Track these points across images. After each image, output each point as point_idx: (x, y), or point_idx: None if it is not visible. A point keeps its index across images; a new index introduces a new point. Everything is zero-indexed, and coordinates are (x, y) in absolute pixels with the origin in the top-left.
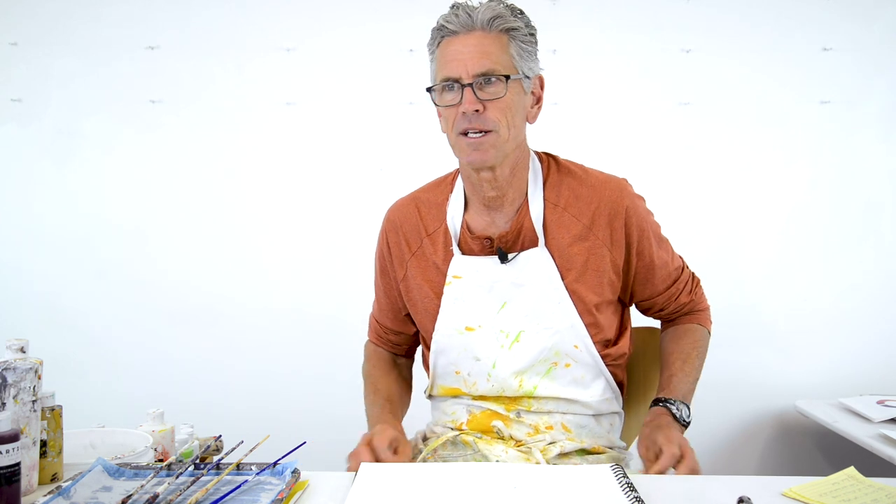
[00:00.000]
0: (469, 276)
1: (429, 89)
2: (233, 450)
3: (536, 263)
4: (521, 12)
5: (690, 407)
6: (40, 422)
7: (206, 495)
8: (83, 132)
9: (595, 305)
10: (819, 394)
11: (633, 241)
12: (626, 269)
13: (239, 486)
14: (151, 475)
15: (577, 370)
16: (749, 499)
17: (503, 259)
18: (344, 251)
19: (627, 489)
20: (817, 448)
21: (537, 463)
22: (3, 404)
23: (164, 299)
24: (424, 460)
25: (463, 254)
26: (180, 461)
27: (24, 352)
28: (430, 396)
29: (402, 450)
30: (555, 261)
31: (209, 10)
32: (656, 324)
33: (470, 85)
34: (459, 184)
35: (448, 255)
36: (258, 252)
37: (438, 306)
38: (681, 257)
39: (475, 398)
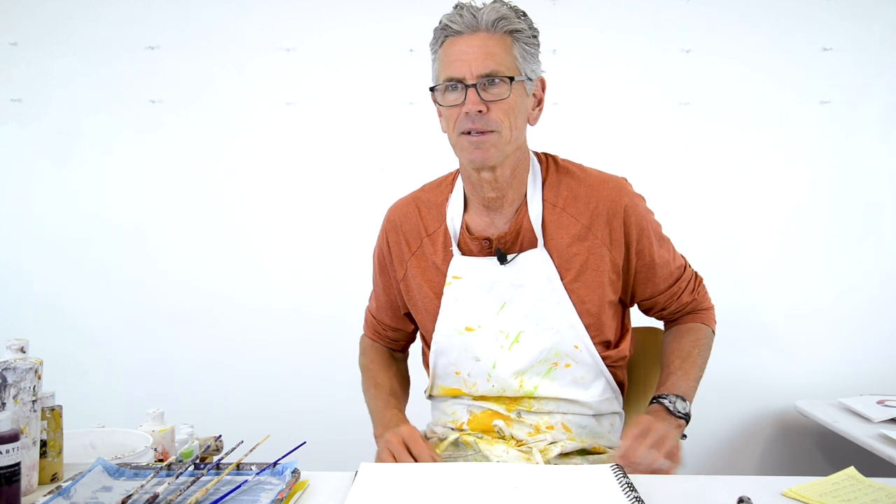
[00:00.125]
0: (468, 276)
1: (432, 89)
2: (233, 450)
3: (536, 264)
4: (524, 14)
5: (688, 401)
6: (40, 422)
7: (206, 495)
8: (83, 132)
9: (595, 306)
10: (819, 394)
11: (632, 241)
12: (626, 269)
13: (239, 486)
14: (151, 475)
15: (578, 370)
16: (749, 499)
17: (502, 260)
18: (344, 251)
19: (627, 489)
20: (817, 448)
21: (537, 464)
22: (3, 404)
23: (164, 299)
24: None
25: (462, 254)
26: (180, 461)
27: (24, 352)
28: (430, 396)
29: (434, 455)
30: (554, 261)
31: (209, 10)
32: (657, 324)
33: (474, 85)
34: (459, 184)
35: (448, 256)
36: (258, 252)
37: (438, 306)
38: (683, 256)
39: (476, 398)
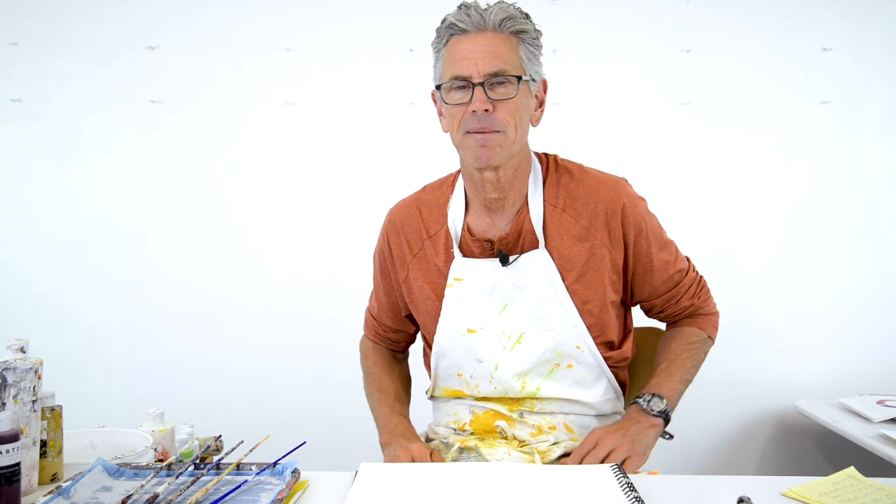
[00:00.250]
0: (470, 278)
1: (437, 87)
2: (233, 450)
3: (537, 265)
4: (528, 15)
5: (667, 400)
6: (40, 422)
7: (206, 495)
8: (83, 132)
9: (597, 306)
10: (819, 394)
11: (630, 240)
12: (626, 268)
13: (239, 486)
14: (151, 475)
15: (580, 371)
16: (749, 499)
17: (504, 262)
18: (344, 251)
19: (627, 489)
20: (817, 448)
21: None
22: (3, 404)
23: (164, 299)
24: None
25: (464, 256)
26: (180, 461)
27: (24, 352)
28: (431, 397)
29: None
30: (555, 262)
31: (209, 10)
32: (659, 325)
33: (481, 84)
34: (460, 185)
35: (449, 258)
36: (258, 252)
37: (440, 308)
38: (688, 259)
39: (478, 399)
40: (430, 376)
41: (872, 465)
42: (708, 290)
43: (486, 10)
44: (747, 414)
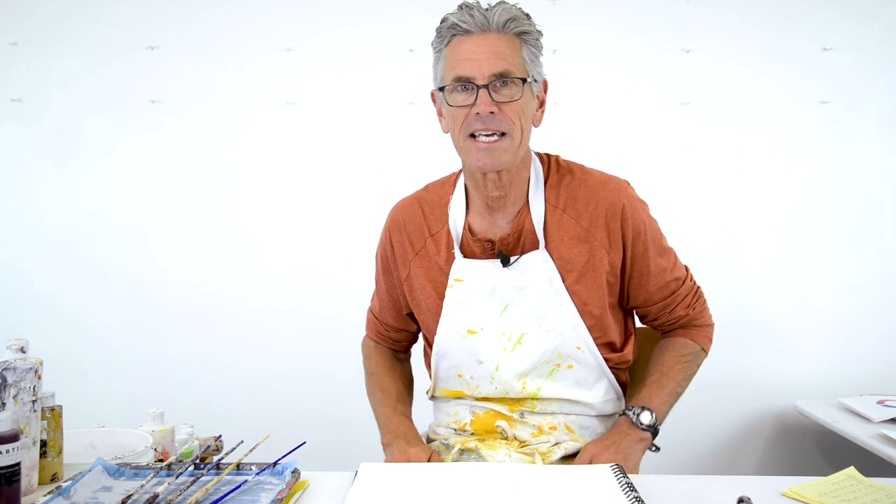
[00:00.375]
0: (471, 279)
1: (440, 89)
2: (233, 450)
3: (537, 266)
4: (529, 16)
5: (656, 413)
6: (40, 422)
7: (206, 495)
8: (83, 132)
9: (597, 307)
10: (819, 394)
11: (628, 242)
12: (623, 271)
13: (239, 486)
14: (151, 475)
15: (580, 371)
16: (749, 499)
17: (505, 263)
18: (344, 251)
19: (627, 489)
20: (817, 448)
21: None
22: (3, 404)
23: (164, 299)
24: None
25: (465, 256)
26: (180, 461)
27: (24, 352)
28: (432, 397)
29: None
30: (555, 263)
31: (209, 10)
32: None
33: (486, 86)
34: (461, 184)
35: (450, 257)
36: (258, 252)
37: (441, 306)
38: (686, 269)
39: (478, 399)
40: (430, 376)
41: (872, 465)
42: (704, 300)
43: (488, 10)
44: (747, 414)
